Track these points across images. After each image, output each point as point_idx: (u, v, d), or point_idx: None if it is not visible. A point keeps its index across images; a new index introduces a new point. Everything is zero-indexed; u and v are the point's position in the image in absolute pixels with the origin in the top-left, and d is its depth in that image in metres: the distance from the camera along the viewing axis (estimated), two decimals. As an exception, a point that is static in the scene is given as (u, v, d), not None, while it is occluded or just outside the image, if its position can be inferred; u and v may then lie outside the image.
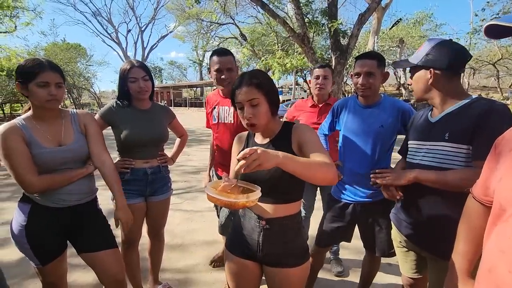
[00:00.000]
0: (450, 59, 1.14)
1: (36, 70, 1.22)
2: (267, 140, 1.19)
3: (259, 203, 1.13)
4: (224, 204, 0.94)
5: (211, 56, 1.83)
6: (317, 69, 2.21)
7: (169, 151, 1.97)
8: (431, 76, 1.17)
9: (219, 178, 2.03)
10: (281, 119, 1.27)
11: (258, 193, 0.96)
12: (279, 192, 1.12)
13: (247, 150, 0.85)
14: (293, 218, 1.16)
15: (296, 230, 1.18)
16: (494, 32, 0.66)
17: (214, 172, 2.09)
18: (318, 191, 2.34)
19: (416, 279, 1.39)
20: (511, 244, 0.61)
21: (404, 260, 1.41)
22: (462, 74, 1.25)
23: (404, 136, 1.48)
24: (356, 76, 1.60)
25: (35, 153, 1.27)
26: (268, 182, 1.10)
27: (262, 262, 1.19)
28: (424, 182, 1.16)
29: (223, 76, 1.80)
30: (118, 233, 1.71)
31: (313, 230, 1.49)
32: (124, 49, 38.14)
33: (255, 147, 0.86)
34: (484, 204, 0.80)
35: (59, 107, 1.38)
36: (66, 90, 1.40)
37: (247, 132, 1.29)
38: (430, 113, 1.27)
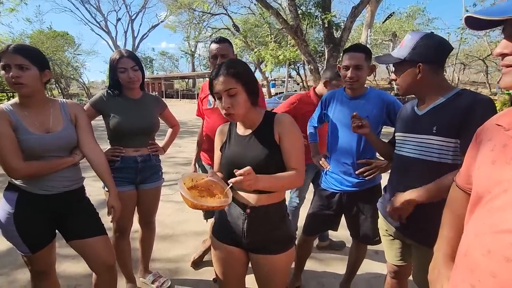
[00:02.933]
0: (436, 52, 1.15)
1: (0, 54, 1.24)
2: (249, 131, 1.20)
3: (242, 193, 1.17)
4: (190, 204, 1.00)
5: (209, 45, 1.90)
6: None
7: (161, 142, 1.97)
8: (419, 71, 1.16)
9: (202, 167, 2.04)
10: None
11: (227, 200, 1.05)
12: None
13: (246, 169, 0.95)
14: (277, 206, 1.19)
15: (281, 218, 1.21)
16: (475, 24, 0.66)
17: (200, 161, 2.08)
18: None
19: (400, 266, 1.44)
20: (484, 229, 0.63)
21: (389, 248, 1.45)
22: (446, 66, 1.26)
23: (393, 129, 1.51)
24: (345, 69, 1.62)
25: (22, 139, 1.26)
26: None
27: (247, 248, 1.21)
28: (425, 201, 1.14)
29: (218, 63, 1.82)
30: (109, 225, 1.72)
31: (302, 220, 1.53)
32: (114, 38, 37.23)
33: (248, 169, 0.96)
34: (467, 192, 0.81)
35: (45, 94, 1.37)
36: (53, 79, 1.36)
37: (228, 123, 1.30)
38: (416, 105, 1.28)
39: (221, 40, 1.87)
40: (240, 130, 1.24)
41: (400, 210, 1.21)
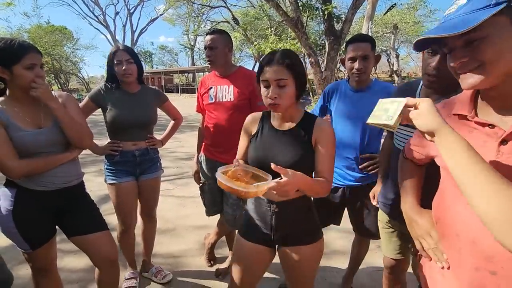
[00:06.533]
0: None
1: (21, 52, 1.19)
2: (287, 127, 1.17)
3: None
4: (235, 192, 0.94)
5: None
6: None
7: (161, 136, 1.97)
8: None
9: (205, 161, 2.01)
10: None
11: (269, 182, 0.94)
12: None
13: (283, 181, 0.89)
14: (302, 198, 1.18)
15: (307, 209, 1.21)
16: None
17: (203, 157, 2.02)
18: None
19: (398, 260, 1.41)
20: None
21: (388, 241, 1.43)
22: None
23: None
24: (351, 61, 1.57)
25: (14, 136, 1.22)
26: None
27: (277, 243, 1.22)
28: None
29: (206, 55, 1.81)
30: (111, 220, 1.71)
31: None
32: (113, 32, 36.75)
33: (285, 181, 0.89)
34: (416, 163, 0.99)
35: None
36: (52, 75, 1.33)
37: (260, 113, 1.27)
38: (419, 95, 1.24)
39: (212, 32, 1.82)
40: (276, 123, 1.20)
41: None
